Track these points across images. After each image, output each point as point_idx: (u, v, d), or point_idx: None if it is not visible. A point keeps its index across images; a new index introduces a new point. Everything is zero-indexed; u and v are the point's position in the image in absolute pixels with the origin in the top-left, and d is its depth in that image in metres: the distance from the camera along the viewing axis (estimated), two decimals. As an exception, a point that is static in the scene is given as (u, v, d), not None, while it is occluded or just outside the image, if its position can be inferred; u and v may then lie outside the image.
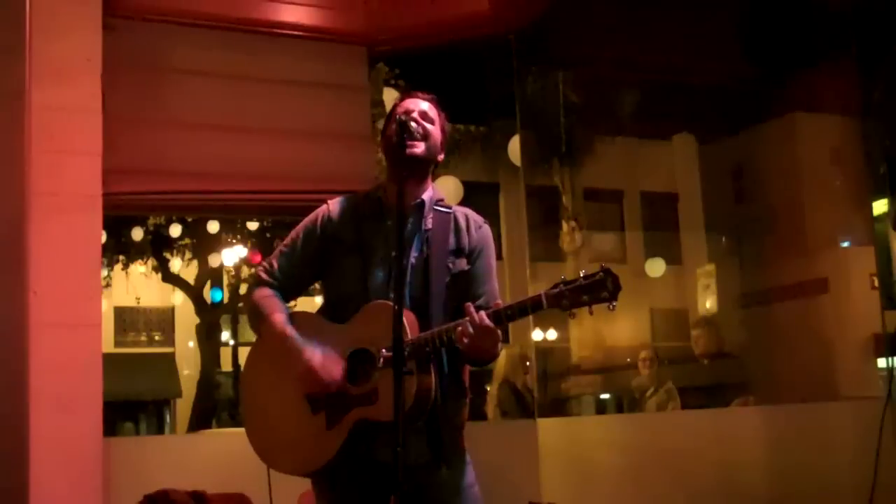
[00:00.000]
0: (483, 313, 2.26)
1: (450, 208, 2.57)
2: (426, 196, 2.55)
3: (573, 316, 2.23)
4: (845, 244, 7.56)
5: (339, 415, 2.36)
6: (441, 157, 2.60)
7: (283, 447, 2.48)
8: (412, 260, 2.47)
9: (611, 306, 2.19)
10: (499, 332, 2.29)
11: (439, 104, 2.63)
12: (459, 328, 2.26)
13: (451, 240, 2.51)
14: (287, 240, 2.64)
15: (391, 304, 2.31)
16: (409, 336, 2.30)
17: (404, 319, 2.29)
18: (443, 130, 2.60)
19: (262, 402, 2.55)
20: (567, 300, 2.22)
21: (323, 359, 2.39)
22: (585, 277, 2.21)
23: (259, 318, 2.54)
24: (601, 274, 2.20)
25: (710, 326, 7.38)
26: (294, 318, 2.53)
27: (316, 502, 2.54)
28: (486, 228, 2.60)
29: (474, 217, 2.60)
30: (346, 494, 2.45)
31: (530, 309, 2.25)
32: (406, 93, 2.69)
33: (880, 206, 5.46)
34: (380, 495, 2.37)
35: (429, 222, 2.52)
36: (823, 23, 5.91)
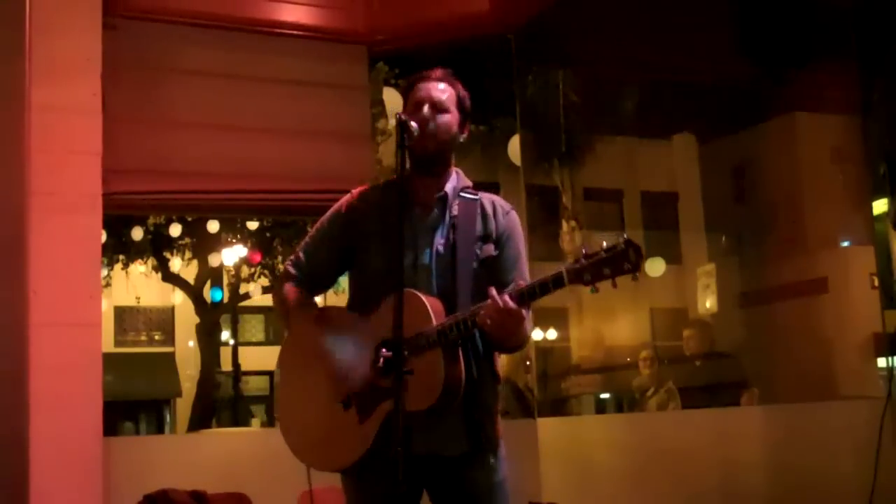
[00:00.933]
0: (505, 294, 2.22)
1: (476, 195, 2.54)
2: (450, 185, 2.51)
3: (596, 290, 2.17)
4: (845, 244, 7.56)
5: (371, 408, 2.34)
6: (464, 135, 2.54)
7: (319, 445, 2.46)
8: (438, 247, 2.45)
9: (634, 277, 2.13)
10: (523, 313, 2.25)
11: (453, 78, 2.55)
12: (483, 311, 2.23)
13: (479, 226, 2.48)
14: (313, 231, 2.64)
15: (416, 292, 2.30)
16: (435, 323, 2.28)
17: (430, 308, 2.28)
18: (460, 107, 2.53)
19: (295, 401, 2.54)
20: (589, 274, 2.15)
21: (351, 360, 2.38)
22: (606, 250, 2.15)
23: (287, 315, 2.55)
24: (622, 245, 2.13)
25: (701, 327, 7.38)
26: (322, 312, 2.54)
27: (346, 498, 2.51)
28: (514, 214, 2.56)
29: (501, 203, 2.56)
30: (380, 488, 2.37)
31: (552, 286, 2.20)
32: (420, 76, 2.59)
33: (880, 206, 5.45)
34: (414, 487, 2.36)
35: (455, 209, 2.49)
36: (823, 22, 5.91)
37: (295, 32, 4.89)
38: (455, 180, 2.54)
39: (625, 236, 2.16)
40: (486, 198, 2.55)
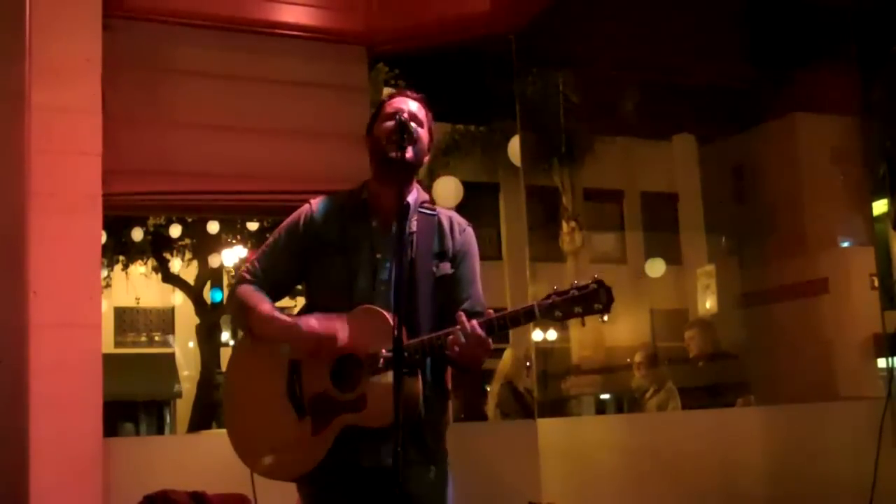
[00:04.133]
0: (475, 323, 2.23)
1: (434, 211, 2.53)
2: (411, 199, 2.50)
3: (565, 327, 2.23)
4: (845, 244, 7.56)
5: (326, 421, 2.34)
6: (426, 158, 2.55)
7: (268, 452, 2.45)
8: (397, 264, 2.42)
9: (602, 319, 2.18)
10: (490, 341, 2.26)
11: (428, 104, 2.57)
12: (451, 337, 2.24)
13: (435, 243, 2.47)
14: (270, 239, 2.62)
15: (379, 309, 2.30)
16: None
17: (392, 323, 2.26)
18: (429, 132, 2.55)
19: (246, 405, 2.52)
20: (560, 311, 2.19)
21: (322, 323, 2.35)
22: (579, 289, 2.19)
23: (244, 311, 2.49)
24: (594, 285, 2.18)
25: (702, 327, 7.36)
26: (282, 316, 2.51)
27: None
28: (470, 231, 2.56)
29: (458, 220, 2.56)
30: (332, 500, 2.42)
31: (523, 319, 2.23)
32: (396, 90, 2.64)
33: (880, 206, 5.46)
34: (364, 501, 2.36)
35: (413, 224, 2.47)
36: (823, 23, 5.91)
37: (294, 33, 4.89)
38: (415, 194, 2.53)
39: (596, 276, 2.20)
40: (444, 214, 2.55)
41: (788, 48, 6.44)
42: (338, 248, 2.47)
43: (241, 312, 2.52)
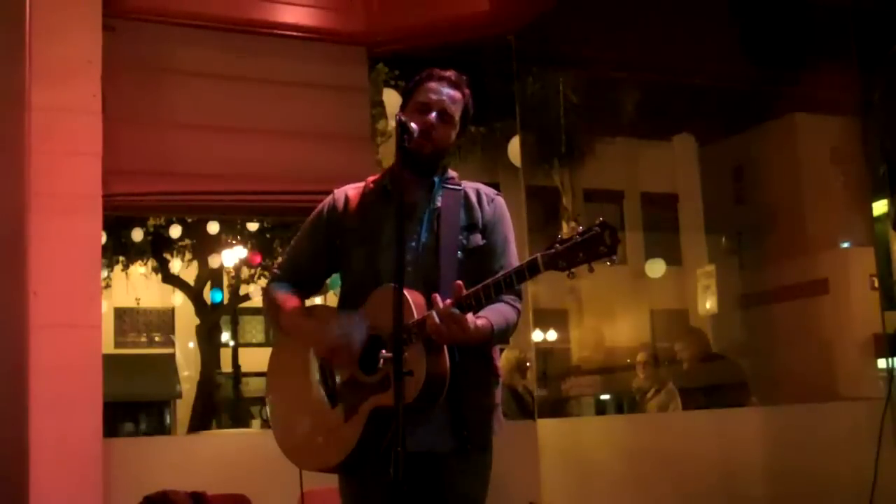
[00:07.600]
0: (448, 300, 2.18)
1: (460, 185, 2.50)
2: (436, 177, 2.48)
3: (572, 276, 2.13)
4: (845, 245, 7.56)
5: (355, 405, 2.32)
6: (452, 140, 2.49)
7: (307, 445, 2.44)
8: (422, 239, 2.41)
9: (610, 261, 2.09)
10: (468, 319, 2.19)
11: (465, 84, 2.50)
12: (428, 319, 2.19)
13: (463, 216, 2.44)
14: (298, 234, 2.63)
15: (395, 286, 2.22)
16: (417, 317, 2.23)
17: (411, 301, 2.24)
18: (464, 116, 2.49)
19: (285, 402, 2.54)
20: (564, 260, 2.11)
21: (342, 326, 2.34)
22: (581, 234, 2.11)
23: (274, 310, 2.53)
24: (597, 228, 2.09)
25: (691, 335, 7.37)
26: (310, 310, 2.53)
27: (341, 497, 2.48)
28: (500, 200, 2.52)
29: (486, 190, 2.52)
30: (371, 486, 2.36)
31: (528, 273, 2.16)
32: (432, 75, 2.52)
33: (880, 207, 5.46)
34: (410, 485, 2.32)
35: (438, 201, 2.45)
36: (823, 23, 5.91)
37: (294, 34, 4.89)
38: (441, 172, 2.51)
39: (600, 219, 2.11)
40: (470, 187, 2.52)
41: (788, 48, 6.43)
42: (361, 233, 2.46)
43: (271, 310, 2.55)
